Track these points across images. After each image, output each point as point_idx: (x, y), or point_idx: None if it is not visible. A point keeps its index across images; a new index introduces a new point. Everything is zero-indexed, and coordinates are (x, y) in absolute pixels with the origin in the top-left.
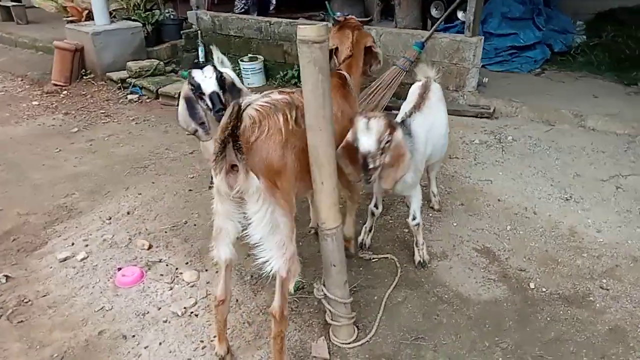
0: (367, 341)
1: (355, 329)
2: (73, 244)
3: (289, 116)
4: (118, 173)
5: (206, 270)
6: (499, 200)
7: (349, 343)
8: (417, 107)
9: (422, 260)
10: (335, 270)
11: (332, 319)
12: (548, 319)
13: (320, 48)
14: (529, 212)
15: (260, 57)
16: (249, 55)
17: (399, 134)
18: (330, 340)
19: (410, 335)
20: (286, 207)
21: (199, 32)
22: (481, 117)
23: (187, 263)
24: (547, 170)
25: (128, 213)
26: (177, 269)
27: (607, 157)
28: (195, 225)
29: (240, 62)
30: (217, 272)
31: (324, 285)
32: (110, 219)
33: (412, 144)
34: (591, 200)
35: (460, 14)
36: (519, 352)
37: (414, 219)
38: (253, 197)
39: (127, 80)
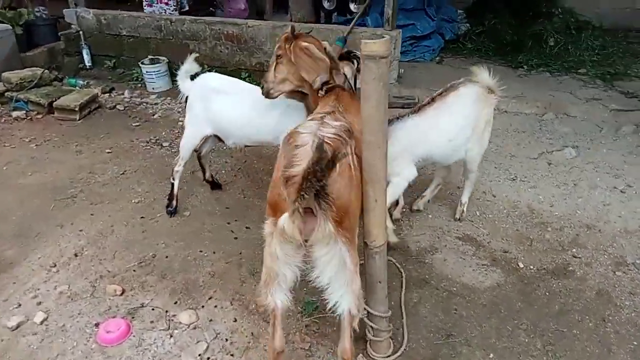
0: (405, 349)
1: (390, 340)
2: (20, 304)
3: (352, 147)
4: (41, 208)
5: (202, 306)
6: (458, 187)
7: (389, 356)
8: (417, 110)
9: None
10: (380, 286)
11: (373, 335)
12: (547, 293)
13: (386, 63)
14: (489, 196)
15: (164, 59)
16: (149, 57)
17: None
18: (370, 356)
19: (440, 335)
20: (352, 243)
21: (81, 32)
22: (408, 108)
23: (175, 302)
24: (485, 154)
25: (76, 255)
26: (167, 311)
27: (528, 136)
28: (167, 257)
29: (141, 65)
30: (269, 321)
31: (366, 302)
32: (55, 265)
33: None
34: (533, 177)
35: (352, 6)
36: (538, 330)
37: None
38: (323, 241)
39: (5, 94)
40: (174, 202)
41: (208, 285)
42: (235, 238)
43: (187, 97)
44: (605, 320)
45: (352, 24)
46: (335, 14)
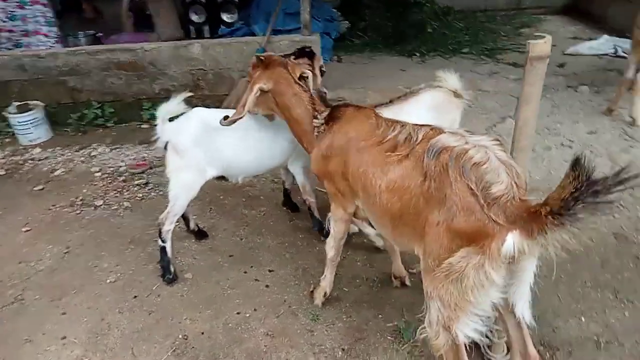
0: None
1: None
2: None
3: None
4: None
5: None
6: None
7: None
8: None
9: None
10: None
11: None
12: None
13: (545, 63)
14: None
15: (37, 103)
16: (15, 103)
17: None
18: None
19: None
20: None
21: None
22: None
23: None
24: None
25: None
26: None
27: (466, 115)
28: (202, 333)
29: (8, 116)
30: None
31: None
32: None
33: None
34: None
35: (225, 17)
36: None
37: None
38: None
39: None
40: (172, 267)
41: (274, 349)
42: (267, 286)
43: (166, 144)
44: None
45: (267, 33)
46: (207, 27)
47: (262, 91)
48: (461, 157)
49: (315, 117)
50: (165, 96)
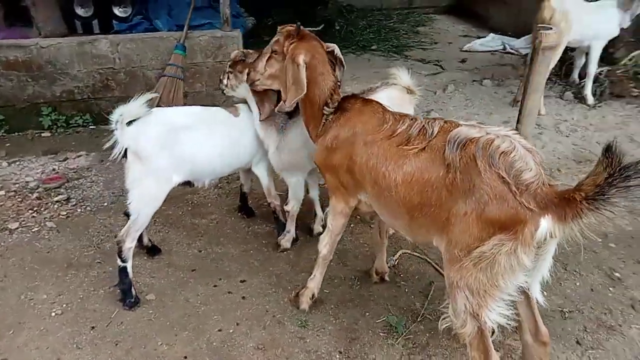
0: None
1: None
2: None
3: None
4: None
5: None
6: None
7: None
8: None
9: (278, 244)
10: None
11: None
12: None
13: (554, 52)
14: None
15: None
16: None
17: None
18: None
19: None
20: None
21: None
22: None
23: None
24: None
25: None
26: None
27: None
28: (185, 357)
29: None
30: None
31: None
32: None
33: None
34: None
35: (117, 10)
36: None
37: (286, 204)
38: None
39: None
40: (133, 290)
41: None
42: (244, 297)
43: (125, 150)
44: None
45: (185, 28)
46: (96, 21)
47: (298, 65)
48: (488, 147)
49: (327, 105)
50: (69, 99)
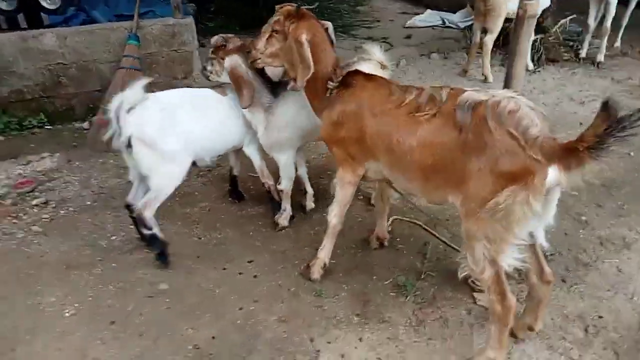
0: None
1: None
2: None
3: None
4: None
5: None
6: None
7: None
8: None
9: (276, 222)
10: None
11: None
12: None
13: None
14: None
15: None
16: None
17: (232, 59)
18: None
19: None
20: None
21: None
22: None
23: None
24: None
25: None
26: None
27: None
28: (213, 337)
29: None
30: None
31: None
32: None
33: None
34: None
35: (45, 3)
36: None
37: (279, 184)
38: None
39: None
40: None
41: (294, 332)
42: (255, 276)
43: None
44: None
45: (135, 18)
46: (21, 15)
47: (302, 44)
48: (496, 107)
49: (331, 79)
50: (19, 100)
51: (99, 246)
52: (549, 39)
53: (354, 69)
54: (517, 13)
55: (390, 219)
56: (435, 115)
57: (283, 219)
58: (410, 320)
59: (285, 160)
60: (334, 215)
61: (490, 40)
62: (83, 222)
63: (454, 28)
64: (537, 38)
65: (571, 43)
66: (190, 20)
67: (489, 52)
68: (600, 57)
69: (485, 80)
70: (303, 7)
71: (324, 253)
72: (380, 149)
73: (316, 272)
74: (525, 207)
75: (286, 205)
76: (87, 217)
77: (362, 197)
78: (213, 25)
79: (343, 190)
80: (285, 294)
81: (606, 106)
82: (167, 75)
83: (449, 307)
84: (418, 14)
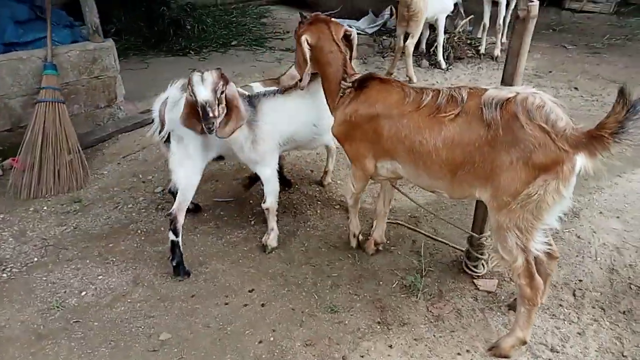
0: None
1: None
2: None
3: None
4: None
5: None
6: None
7: None
8: (283, 90)
9: (265, 244)
10: None
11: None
12: None
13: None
14: None
15: None
16: None
17: (232, 86)
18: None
19: None
20: None
21: None
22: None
23: None
24: None
25: None
26: None
27: None
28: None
29: None
30: None
31: None
32: None
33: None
34: None
35: None
36: None
37: (264, 202)
38: None
39: None
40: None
41: (323, 354)
42: (263, 305)
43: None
44: None
45: (49, 45)
46: None
47: (301, 44)
48: (524, 103)
49: (344, 79)
50: None
51: (68, 306)
52: (455, 39)
53: (368, 72)
54: (518, 15)
55: (374, 222)
56: (458, 115)
57: (271, 239)
58: (428, 318)
59: (270, 174)
60: (350, 199)
61: (411, 44)
62: (37, 282)
63: (361, 34)
64: (445, 38)
65: (469, 41)
66: (111, 43)
67: (411, 54)
68: (497, 52)
69: (410, 80)
70: (324, 13)
71: (353, 226)
72: (399, 150)
73: (352, 241)
74: (555, 195)
75: (273, 225)
76: (40, 275)
77: (339, 207)
78: (118, 46)
79: (357, 183)
80: (300, 317)
81: (622, 93)
82: (88, 105)
83: (457, 298)
84: None
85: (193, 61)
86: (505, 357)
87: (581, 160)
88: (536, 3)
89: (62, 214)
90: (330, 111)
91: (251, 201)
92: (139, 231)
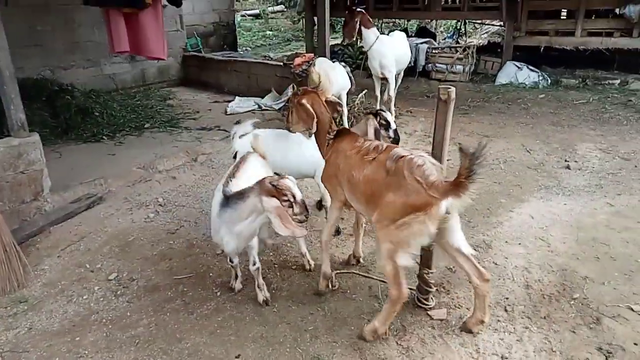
0: None
1: None
2: None
3: None
4: None
5: None
6: None
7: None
8: (232, 174)
9: (265, 299)
10: None
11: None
12: None
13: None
14: None
15: None
16: None
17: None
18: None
19: None
20: None
21: None
22: (90, 208)
23: None
24: None
25: None
26: None
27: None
28: None
29: None
30: None
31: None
32: None
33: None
34: None
35: None
36: None
37: (254, 264)
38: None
39: None
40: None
41: None
42: None
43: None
44: None
45: None
46: None
47: (302, 104)
48: (410, 161)
49: (329, 133)
50: None
51: None
52: (355, 109)
53: (343, 127)
54: (440, 98)
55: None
56: (375, 160)
57: (265, 291)
58: (399, 350)
59: (254, 244)
60: (326, 234)
61: None
62: None
63: (269, 109)
64: (348, 109)
65: (366, 110)
66: (37, 137)
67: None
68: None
69: None
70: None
71: (325, 266)
72: (344, 181)
73: (323, 285)
74: (422, 225)
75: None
76: None
77: (295, 267)
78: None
79: (331, 214)
80: None
81: (462, 150)
82: (13, 200)
83: (418, 329)
84: (229, 101)
85: (109, 146)
86: (364, 339)
87: (446, 203)
88: (453, 89)
89: (9, 317)
90: (322, 157)
91: (211, 274)
92: (104, 320)
